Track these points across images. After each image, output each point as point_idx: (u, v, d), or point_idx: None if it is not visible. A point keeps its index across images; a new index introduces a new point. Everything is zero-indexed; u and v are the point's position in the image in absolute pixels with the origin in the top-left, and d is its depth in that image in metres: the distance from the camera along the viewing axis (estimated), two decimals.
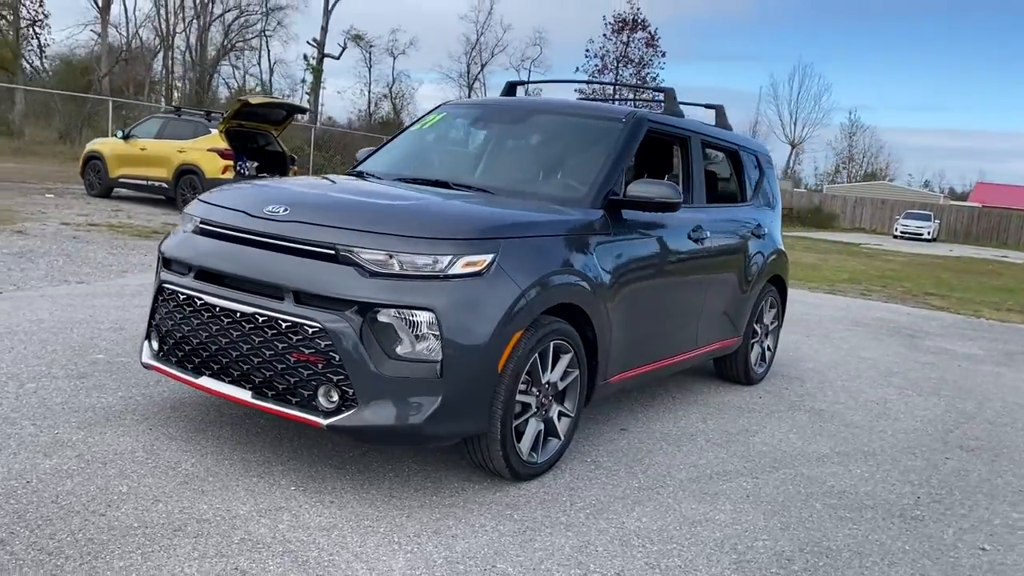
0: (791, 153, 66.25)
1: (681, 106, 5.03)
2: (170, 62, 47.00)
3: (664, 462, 4.01)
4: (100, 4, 37.33)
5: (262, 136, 15.21)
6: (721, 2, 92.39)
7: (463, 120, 4.98)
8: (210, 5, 45.93)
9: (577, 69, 62.99)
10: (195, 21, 43.08)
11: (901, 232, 39.93)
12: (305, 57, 45.51)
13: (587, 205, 3.92)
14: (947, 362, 7.45)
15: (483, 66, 61.65)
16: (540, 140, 4.57)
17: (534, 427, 3.54)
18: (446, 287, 3.12)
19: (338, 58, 48.33)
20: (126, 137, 15.41)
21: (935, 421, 5.35)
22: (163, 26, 40.30)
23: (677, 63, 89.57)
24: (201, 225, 3.57)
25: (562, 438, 3.72)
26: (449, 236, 3.22)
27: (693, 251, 4.61)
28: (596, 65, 54.73)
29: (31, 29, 36.85)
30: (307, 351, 3.10)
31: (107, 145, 15.60)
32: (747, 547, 3.17)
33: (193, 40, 46.62)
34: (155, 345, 3.61)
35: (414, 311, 3.07)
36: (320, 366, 3.09)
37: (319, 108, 46.25)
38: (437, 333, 3.07)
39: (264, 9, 48.79)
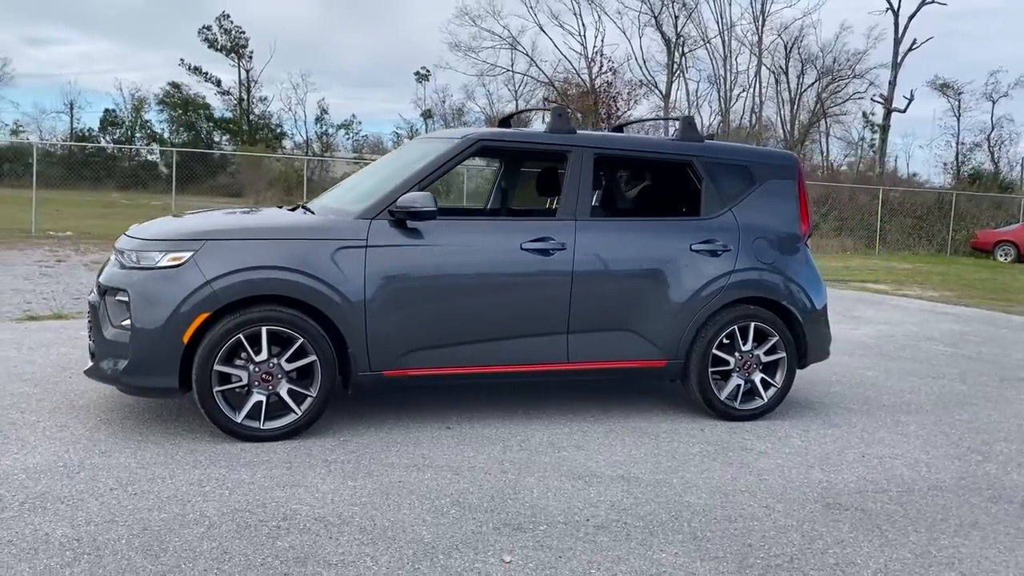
0: None
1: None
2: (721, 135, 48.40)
3: (408, 452, 4.28)
4: (663, 91, 42.07)
5: None
6: None
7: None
8: (777, 75, 47.38)
9: None
10: (746, 94, 44.87)
11: None
12: (864, 115, 44.33)
13: (354, 216, 4.51)
14: None
15: None
16: (397, 164, 5.12)
17: (256, 398, 4.31)
18: (144, 275, 4.23)
19: (904, 111, 45.54)
20: None
21: (853, 473, 4.21)
22: (721, 103, 43.23)
23: None
24: None
25: (299, 413, 4.37)
26: (163, 238, 4.33)
27: (526, 261, 4.65)
28: None
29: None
30: (89, 321, 4.50)
31: None
32: (245, 509, 3.54)
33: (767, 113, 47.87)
34: None
35: (120, 292, 4.25)
36: (91, 331, 4.45)
37: (884, 167, 43.85)
38: (129, 309, 4.19)
39: (852, 73, 46.98)
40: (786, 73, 46.86)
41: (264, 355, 4.29)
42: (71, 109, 56.87)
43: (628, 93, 42.40)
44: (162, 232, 4.45)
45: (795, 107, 47.75)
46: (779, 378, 5.17)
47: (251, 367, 4.30)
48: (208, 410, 4.25)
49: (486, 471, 4.07)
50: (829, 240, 23.92)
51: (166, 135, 57.25)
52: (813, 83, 46.96)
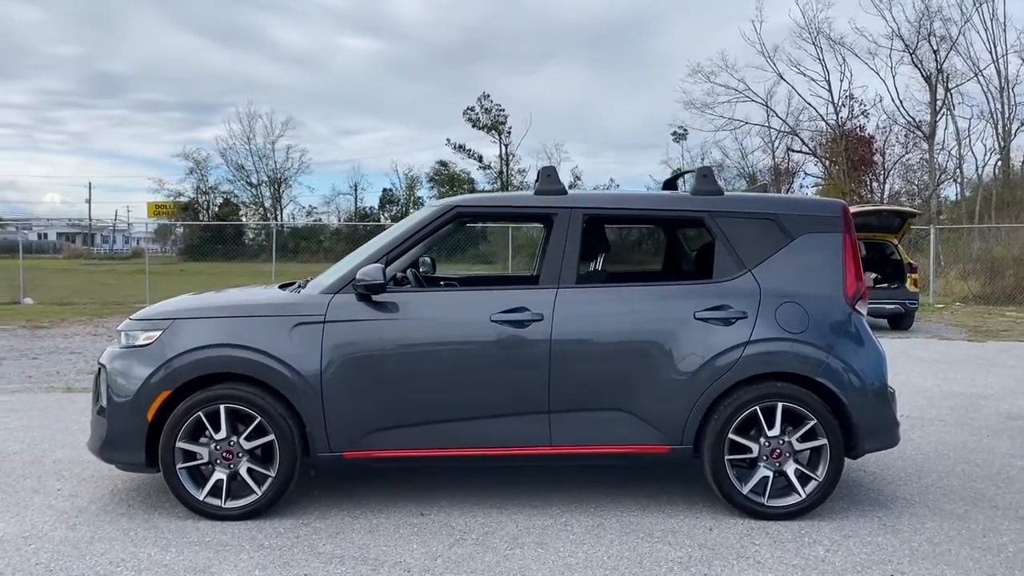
0: None
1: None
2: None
3: (350, 541, 4.07)
4: (925, 132, 38.13)
5: (886, 246, 14.59)
6: None
7: None
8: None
9: None
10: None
11: None
12: None
13: (320, 291, 4.43)
14: None
15: None
16: (382, 235, 4.91)
17: (218, 475, 4.31)
18: (122, 353, 4.42)
19: None
20: None
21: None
22: (997, 139, 38.03)
23: None
24: None
25: (259, 493, 4.30)
26: (145, 318, 4.51)
27: (496, 334, 4.28)
28: None
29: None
30: None
31: None
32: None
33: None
34: None
35: (102, 369, 4.47)
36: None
37: None
38: (105, 385, 4.39)
39: None
40: None
41: (223, 433, 4.28)
42: (355, 190, 63.19)
43: (907, 135, 38.82)
44: (152, 312, 4.63)
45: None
46: (821, 471, 4.29)
47: (212, 445, 4.30)
48: (172, 486, 4.30)
49: (408, 568, 3.72)
50: None
51: None
52: None
